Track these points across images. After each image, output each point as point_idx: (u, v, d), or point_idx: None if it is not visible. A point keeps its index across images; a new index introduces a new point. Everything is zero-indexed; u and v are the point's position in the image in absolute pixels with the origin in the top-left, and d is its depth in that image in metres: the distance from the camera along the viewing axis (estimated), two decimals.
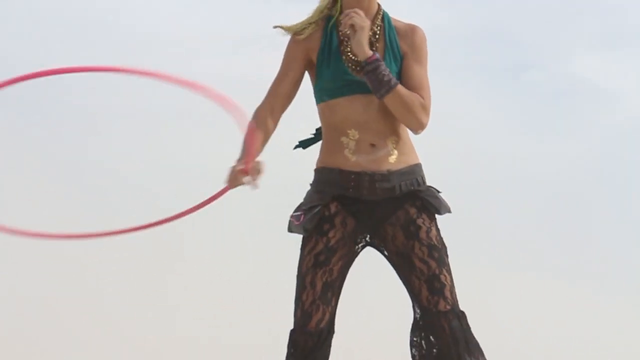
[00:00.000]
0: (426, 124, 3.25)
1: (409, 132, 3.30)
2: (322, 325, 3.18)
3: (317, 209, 3.24)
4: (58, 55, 7.16)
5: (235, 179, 3.18)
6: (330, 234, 3.22)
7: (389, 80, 3.18)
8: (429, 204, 3.25)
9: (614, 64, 7.53)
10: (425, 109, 3.23)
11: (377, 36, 3.29)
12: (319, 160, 3.34)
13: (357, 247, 3.29)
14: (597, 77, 7.49)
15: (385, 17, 3.31)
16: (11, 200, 6.84)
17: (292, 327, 3.24)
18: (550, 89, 7.48)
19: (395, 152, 3.24)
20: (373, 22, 3.30)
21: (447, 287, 3.18)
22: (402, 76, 3.26)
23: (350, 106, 3.25)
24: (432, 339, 3.16)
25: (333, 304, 3.21)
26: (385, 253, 3.27)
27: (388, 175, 3.22)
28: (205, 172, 6.81)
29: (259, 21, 7.15)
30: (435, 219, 3.28)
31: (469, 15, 7.20)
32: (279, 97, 3.42)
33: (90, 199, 6.84)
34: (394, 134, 3.25)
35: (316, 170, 3.34)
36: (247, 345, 5.85)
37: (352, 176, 3.22)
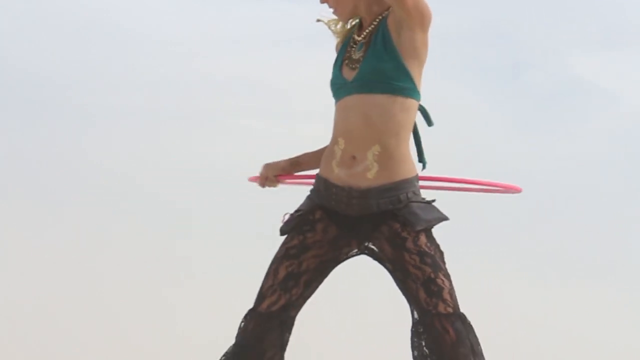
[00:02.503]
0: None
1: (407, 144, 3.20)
2: (273, 309, 3.18)
3: (298, 213, 3.25)
4: (58, 55, 7.17)
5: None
6: (309, 235, 3.22)
7: None
8: (407, 220, 3.15)
9: (613, 64, 7.54)
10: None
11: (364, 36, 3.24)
12: (321, 164, 3.31)
13: (340, 254, 3.26)
14: (597, 77, 7.50)
15: (383, 19, 3.27)
16: (11, 199, 6.85)
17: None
18: (549, 88, 7.49)
19: (375, 165, 3.13)
20: (367, 26, 3.26)
21: (446, 290, 3.10)
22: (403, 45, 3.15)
23: (340, 111, 3.20)
24: (434, 343, 3.10)
25: (294, 293, 3.20)
26: (377, 261, 3.27)
27: (366, 192, 3.12)
28: (204, 172, 6.82)
29: (259, 21, 7.16)
30: (424, 229, 3.20)
31: (469, 16, 7.21)
32: None
33: (89, 198, 6.84)
34: (377, 144, 3.13)
35: (316, 176, 3.32)
36: None
37: (334, 189, 3.18)
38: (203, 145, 6.88)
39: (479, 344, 3.12)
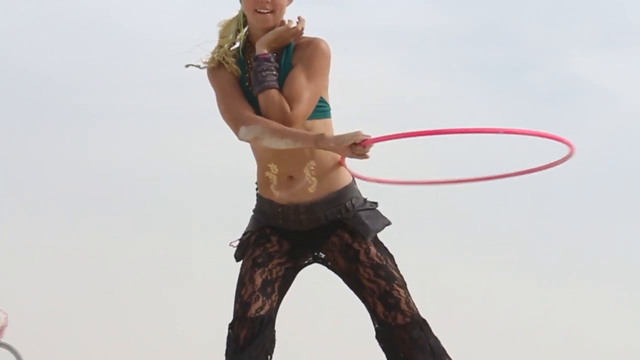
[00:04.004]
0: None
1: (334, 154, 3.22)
2: (262, 313, 3.17)
3: (246, 236, 3.30)
4: (58, 55, 7.18)
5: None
6: (268, 245, 3.26)
7: (264, 81, 3.16)
8: (357, 231, 3.23)
9: (613, 64, 7.54)
10: (287, 119, 3.12)
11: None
12: (258, 187, 3.34)
13: (298, 263, 3.30)
14: (597, 77, 7.51)
15: (290, 45, 3.28)
16: (12, 199, 6.85)
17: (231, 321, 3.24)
18: (549, 88, 7.49)
19: (315, 180, 3.21)
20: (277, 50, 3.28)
21: (403, 301, 3.18)
22: (284, 83, 3.20)
23: None
24: (393, 351, 3.19)
25: (274, 299, 3.21)
26: (331, 270, 3.30)
27: (312, 207, 3.22)
28: (205, 172, 6.82)
29: None
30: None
31: (469, 16, 7.21)
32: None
33: (89, 198, 6.85)
34: (311, 159, 3.20)
35: (257, 196, 3.36)
36: None
37: (280, 209, 3.24)
38: (203, 145, 6.88)
39: (440, 346, 3.18)
